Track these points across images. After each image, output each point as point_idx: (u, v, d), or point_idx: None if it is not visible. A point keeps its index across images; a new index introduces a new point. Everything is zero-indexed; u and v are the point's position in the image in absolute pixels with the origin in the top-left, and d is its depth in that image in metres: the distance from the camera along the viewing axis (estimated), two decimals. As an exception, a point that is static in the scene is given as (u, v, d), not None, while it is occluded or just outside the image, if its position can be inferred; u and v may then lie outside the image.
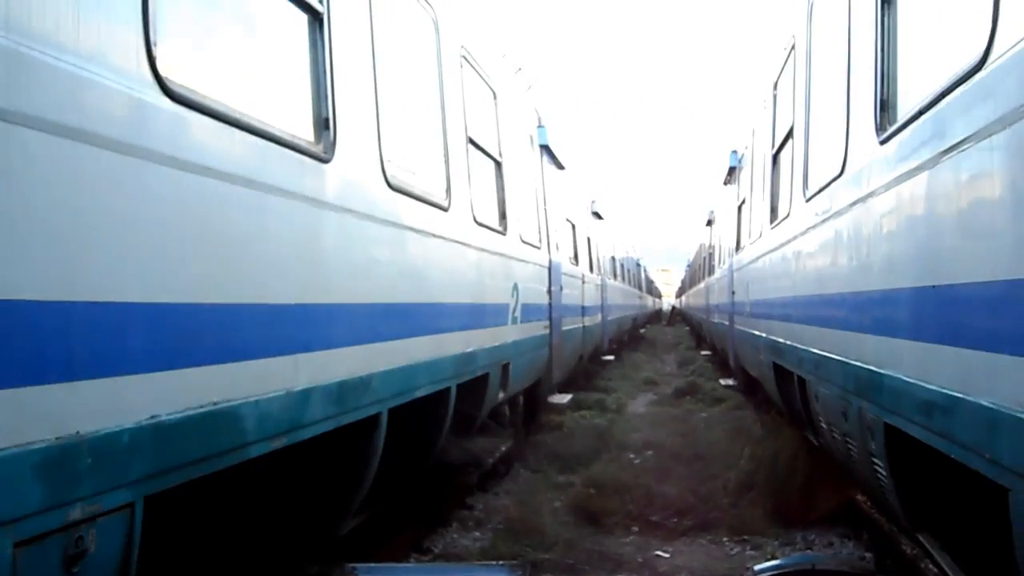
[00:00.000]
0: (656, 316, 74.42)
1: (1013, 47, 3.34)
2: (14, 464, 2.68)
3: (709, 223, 27.06)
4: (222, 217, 3.93)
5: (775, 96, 10.38)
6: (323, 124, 5.04)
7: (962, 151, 3.81)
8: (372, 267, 5.71)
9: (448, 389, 7.36)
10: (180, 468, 3.58)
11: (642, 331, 47.57)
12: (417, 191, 6.57)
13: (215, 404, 3.79)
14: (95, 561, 3.12)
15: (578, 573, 7.01)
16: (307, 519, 5.64)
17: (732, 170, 16.78)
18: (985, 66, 3.59)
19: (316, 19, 5.01)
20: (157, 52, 3.45)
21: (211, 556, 4.95)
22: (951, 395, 3.91)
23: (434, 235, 6.95)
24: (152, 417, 3.36)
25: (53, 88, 2.90)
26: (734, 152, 16.30)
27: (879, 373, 5.12)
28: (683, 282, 67.65)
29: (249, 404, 4.05)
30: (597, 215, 23.59)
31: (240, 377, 4.03)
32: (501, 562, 5.91)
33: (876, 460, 5.42)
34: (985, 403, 3.54)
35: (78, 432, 2.95)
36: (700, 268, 35.14)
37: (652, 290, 74.03)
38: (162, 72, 3.47)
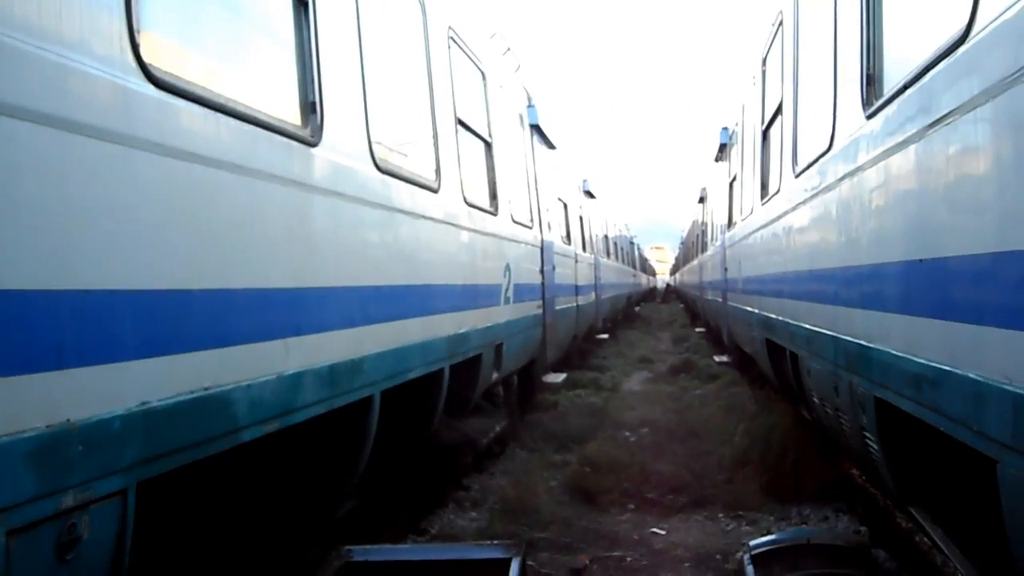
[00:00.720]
0: (651, 294, 74.47)
1: (994, 20, 3.34)
2: (6, 453, 2.68)
3: (701, 200, 27.06)
4: (209, 203, 3.92)
5: (764, 72, 10.37)
6: (310, 108, 5.03)
7: (947, 124, 3.82)
8: (362, 250, 5.71)
9: (441, 370, 7.38)
10: (172, 454, 3.59)
11: (637, 309, 47.61)
12: (406, 173, 6.57)
13: (206, 389, 3.80)
14: (89, 548, 3.13)
15: (574, 551, 7.04)
16: (303, 503, 5.66)
17: (723, 147, 16.77)
18: (968, 39, 3.59)
19: (302, 3, 5.00)
20: (140, 39, 3.44)
21: (209, 541, 4.96)
22: (939, 368, 3.93)
23: (424, 217, 6.95)
24: (143, 403, 3.37)
25: (35, 77, 2.89)
26: (724, 129, 16.29)
27: (868, 347, 5.14)
28: (677, 259, 67.76)
29: (240, 389, 4.06)
30: (590, 194, 23.57)
31: (231, 362, 4.03)
32: (496, 541, 5.92)
33: (867, 434, 5.44)
34: (972, 376, 3.56)
35: (69, 420, 2.96)
36: (693, 245, 35.14)
37: (646, 268, 74.17)
38: (146, 59, 3.47)
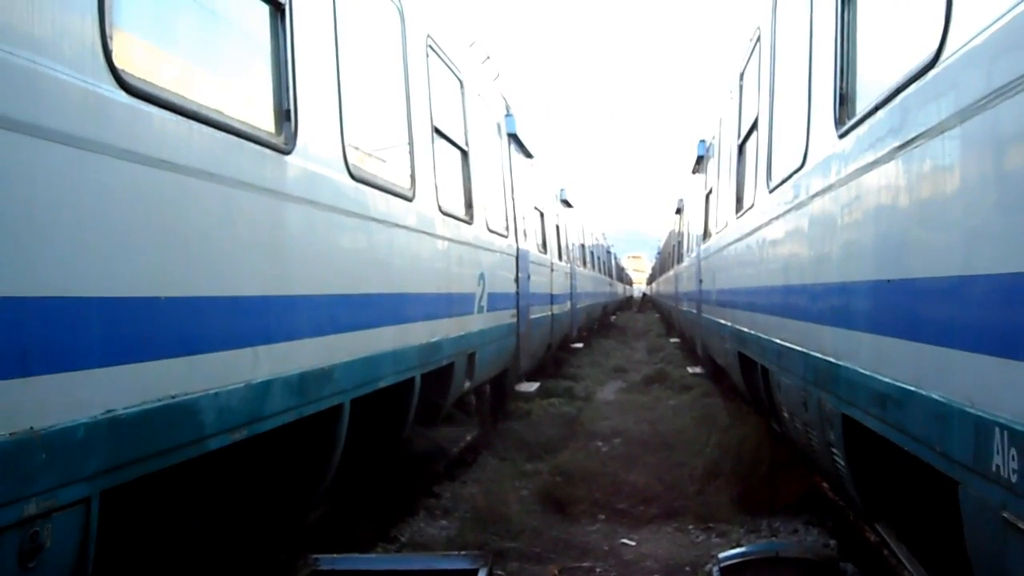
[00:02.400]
0: (627, 303, 74.55)
1: (965, 45, 3.37)
2: (-33, 461, 2.67)
3: (678, 211, 27.12)
4: (180, 210, 3.91)
5: (741, 86, 10.42)
6: (284, 115, 5.03)
7: (917, 146, 3.85)
8: (335, 258, 5.71)
9: (413, 379, 7.37)
10: (138, 462, 3.57)
11: (612, 318, 47.65)
12: (381, 181, 6.57)
13: (173, 397, 3.79)
14: (52, 556, 3.12)
15: (544, 561, 7.03)
16: (271, 510, 5.64)
17: (700, 159, 16.82)
18: (939, 63, 3.63)
19: (278, 10, 5.00)
20: (113, 45, 3.43)
21: (176, 549, 4.94)
22: (904, 388, 3.96)
23: (398, 225, 6.95)
24: (108, 411, 3.36)
25: (2, 81, 2.88)
26: (702, 141, 16.34)
27: (837, 365, 5.17)
28: (654, 269, 67.80)
29: (208, 396, 4.05)
30: (567, 203, 23.60)
31: (199, 370, 4.02)
32: (464, 552, 5.92)
33: (835, 450, 5.48)
34: (936, 397, 3.59)
35: (32, 428, 2.95)
36: (670, 256, 35.18)
37: (623, 277, 74.21)
38: (118, 64, 3.46)
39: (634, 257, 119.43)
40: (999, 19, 3.07)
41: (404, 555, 6.85)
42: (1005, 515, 2.98)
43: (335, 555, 5.59)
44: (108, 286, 3.40)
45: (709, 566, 6.21)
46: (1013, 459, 2.90)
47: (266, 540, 5.65)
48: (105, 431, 3.32)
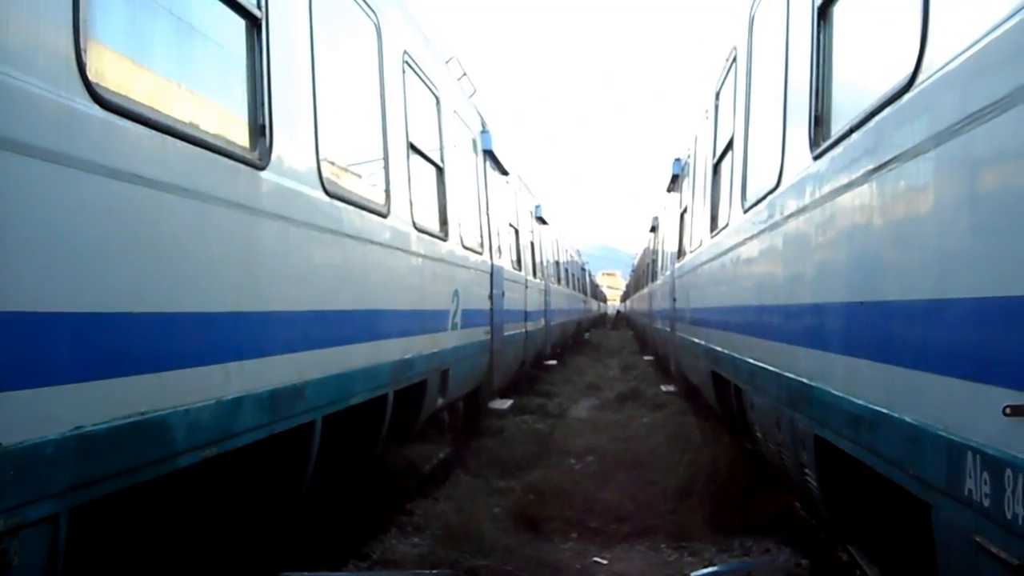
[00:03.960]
0: (601, 320, 74.59)
1: (940, 69, 3.39)
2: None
3: (653, 229, 27.20)
4: (152, 225, 3.88)
5: (717, 106, 10.46)
6: (259, 131, 5.01)
7: (891, 169, 3.87)
8: (308, 274, 5.68)
9: (385, 396, 7.34)
10: (107, 479, 3.54)
11: (586, 335, 47.65)
12: (355, 197, 6.55)
13: (143, 414, 3.75)
14: (18, 573, 3.07)
15: (516, 580, 7.00)
16: (243, 527, 5.59)
17: (675, 178, 16.88)
18: (914, 86, 3.65)
19: (254, 25, 4.98)
20: (88, 58, 3.41)
21: (148, 566, 4.89)
22: (877, 410, 3.97)
23: (372, 241, 6.93)
24: (77, 428, 3.32)
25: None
26: (677, 160, 16.40)
27: (810, 386, 5.18)
28: (628, 287, 67.94)
29: (178, 413, 4.02)
30: (542, 220, 23.60)
31: (169, 386, 3.99)
32: (435, 571, 5.89)
33: (807, 471, 5.48)
34: (909, 420, 3.60)
35: (0, 444, 2.91)
36: (644, 274, 35.27)
37: (597, 294, 74.31)
38: (92, 79, 3.44)
39: (608, 274, 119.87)
40: (975, 43, 3.08)
41: (376, 572, 6.82)
42: (978, 539, 2.99)
43: (306, 572, 5.55)
44: (79, 301, 3.37)
45: (681, 585, 6.20)
46: (985, 483, 2.90)
47: (237, 557, 5.60)
48: (74, 448, 3.29)
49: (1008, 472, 2.76)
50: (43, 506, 3.16)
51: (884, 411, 3.88)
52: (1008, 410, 2.70)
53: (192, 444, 4.16)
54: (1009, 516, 2.74)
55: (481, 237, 12.64)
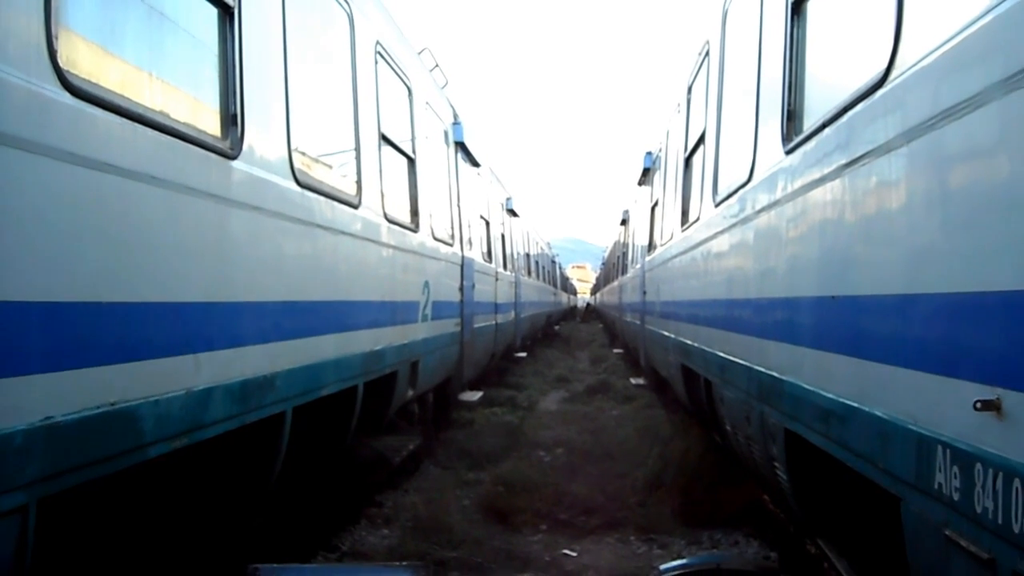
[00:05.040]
0: (571, 313, 74.68)
1: (913, 66, 3.40)
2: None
3: (624, 222, 27.22)
4: (122, 214, 3.85)
5: (689, 100, 10.47)
6: (231, 120, 4.97)
7: (863, 164, 3.88)
8: (279, 264, 5.65)
9: (356, 387, 7.32)
10: (76, 470, 3.51)
11: (556, 328, 47.73)
12: (327, 188, 6.52)
13: (112, 404, 3.72)
14: (-14, 564, 3.05)
15: (485, 572, 7.00)
16: (213, 518, 5.57)
17: (647, 171, 16.89)
18: (887, 82, 3.66)
19: (227, 13, 4.95)
20: (59, 45, 3.37)
21: (114, 556, 4.86)
22: (848, 404, 3.99)
23: (343, 232, 6.90)
24: (46, 418, 3.29)
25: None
26: (648, 153, 16.41)
27: (780, 379, 5.20)
28: (598, 279, 68.05)
29: (148, 404, 3.99)
30: (513, 212, 23.59)
31: (139, 377, 3.96)
32: (404, 563, 5.87)
33: (777, 464, 5.50)
34: (879, 414, 3.61)
35: (-34, 434, 2.88)
36: (614, 266, 35.31)
37: (567, 287, 74.39)
38: (63, 66, 3.40)
39: (579, 267, 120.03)
40: (948, 41, 3.10)
41: (345, 565, 6.80)
42: (947, 532, 3.01)
43: (275, 564, 5.52)
44: (48, 291, 3.33)
45: (650, 577, 6.22)
46: (955, 477, 2.92)
47: (206, 548, 5.57)
48: (43, 438, 3.26)
49: (978, 466, 2.78)
50: (12, 497, 3.12)
51: (855, 405, 3.90)
52: (979, 404, 2.72)
53: (162, 435, 4.13)
54: (979, 510, 2.76)
55: (452, 229, 12.62)
